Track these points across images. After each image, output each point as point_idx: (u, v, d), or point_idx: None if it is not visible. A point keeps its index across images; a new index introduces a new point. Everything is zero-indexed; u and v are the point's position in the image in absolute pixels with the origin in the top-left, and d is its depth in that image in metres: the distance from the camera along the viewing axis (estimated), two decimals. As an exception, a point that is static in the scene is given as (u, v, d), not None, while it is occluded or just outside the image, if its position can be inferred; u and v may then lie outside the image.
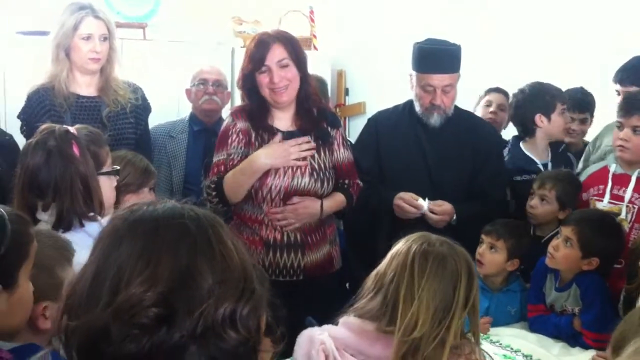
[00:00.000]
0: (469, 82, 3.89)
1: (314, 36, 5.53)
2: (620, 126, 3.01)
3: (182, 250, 1.11)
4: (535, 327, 2.88)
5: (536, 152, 3.50)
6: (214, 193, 2.97)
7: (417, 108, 3.25)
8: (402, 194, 3.16)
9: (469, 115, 3.42)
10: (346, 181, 3.11)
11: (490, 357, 1.89)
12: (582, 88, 3.77)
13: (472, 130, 3.33)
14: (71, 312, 1.12)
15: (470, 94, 3.93)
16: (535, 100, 3.46)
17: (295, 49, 2.99)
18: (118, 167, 2.53)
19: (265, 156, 2.92)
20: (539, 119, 3.46)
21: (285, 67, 2.93)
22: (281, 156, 2.92)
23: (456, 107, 3.31)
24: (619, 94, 3.41)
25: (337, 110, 5.56)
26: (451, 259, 1.81)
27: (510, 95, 3.72)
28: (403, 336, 1.71)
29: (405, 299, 1.74)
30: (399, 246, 1.87)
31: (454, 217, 3.16)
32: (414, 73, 3.23)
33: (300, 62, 2.98)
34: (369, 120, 3.51)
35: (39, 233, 1.80)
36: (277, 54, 2.92)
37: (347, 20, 5.59)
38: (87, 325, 1.08)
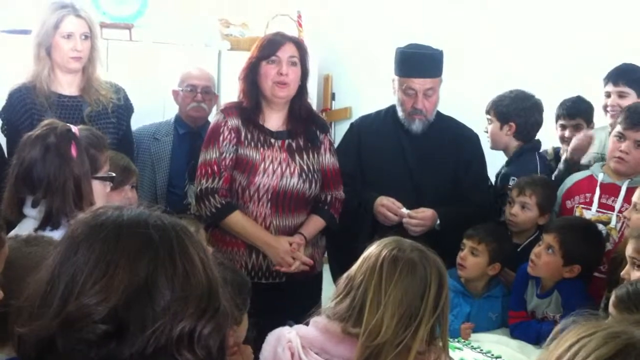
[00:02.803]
0: (469, 84, 3.89)
1: (302, 40, 5.49)
2: (622, 137, 2.92)
3: (142, 263, 1.06)
4: (516, 333, 2.87)
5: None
6: (212, 210, 2.94)
7: (400, 113, 3.23)
8: (384, 201, 3.13)
9: (451, 122, 3.39)
10: (328, 197, 3.10)
11: None
12: (577, 96, 3.64)
13: (454, 136, 3.31)
14: (23, 317, 1.07)
15: (470, 96, 3.89)
16: (508, 104, 3.43)
17: (304, 57, 3.05)
18: (114, 175, 2.51)
19: (269, 252, 2.96)
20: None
21: (294, 65, 2.98)
22: (274, 258, 2.96)
23: (438, 113, 3.29)
24: (608, 96, 3.37)
25: (324, 115, 5.54)
26: (421, 265, 1.79)
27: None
28: (367, 341, 1.71)
29: (372, 304, 1.74)
30: (371, 249, 1.86)
31: (437, 222, 3.15)
32: (396, 78, 3.22)
33: (304, 70, 3.03)
34: (351, 125, 3.50)
35: (41, 240, 1.76)
36: (289, 49, 2.99)
37: (334, 25, 5.57)
38: (35, 333, 1.04)
